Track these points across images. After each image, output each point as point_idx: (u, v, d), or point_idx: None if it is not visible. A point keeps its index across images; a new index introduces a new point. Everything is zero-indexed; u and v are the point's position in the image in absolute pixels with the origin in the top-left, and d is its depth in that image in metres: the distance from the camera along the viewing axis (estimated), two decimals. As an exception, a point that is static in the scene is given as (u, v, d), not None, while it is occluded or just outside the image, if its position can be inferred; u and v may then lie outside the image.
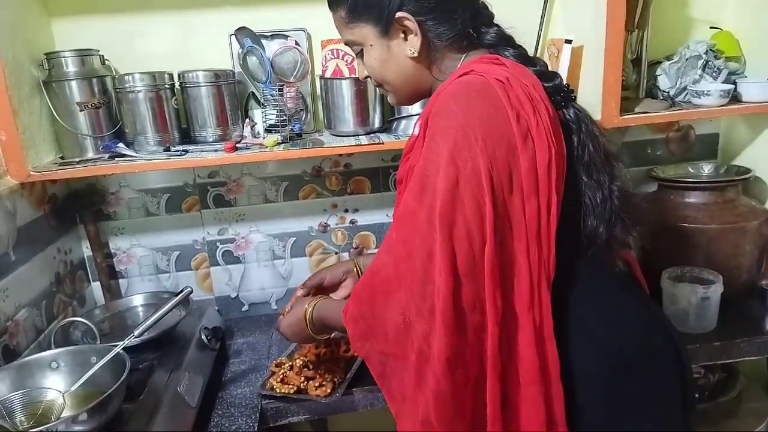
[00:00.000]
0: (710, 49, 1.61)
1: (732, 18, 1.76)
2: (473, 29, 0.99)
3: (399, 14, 0.96)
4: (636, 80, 1.64)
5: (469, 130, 0.83)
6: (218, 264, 1.79)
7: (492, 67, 0.92)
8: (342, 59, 1.57)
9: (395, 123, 1.60)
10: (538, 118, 0.85)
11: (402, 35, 0.98)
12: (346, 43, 1.06)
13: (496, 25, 1.01)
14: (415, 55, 0.98)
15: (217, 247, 1.78)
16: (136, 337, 1.16)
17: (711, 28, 1.74)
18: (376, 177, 1.79)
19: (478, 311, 0.82)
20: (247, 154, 1.45)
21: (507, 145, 0.83)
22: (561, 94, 0.95)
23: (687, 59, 1.60)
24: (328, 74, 1.58)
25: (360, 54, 1.04)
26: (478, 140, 0.82)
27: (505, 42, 1.01)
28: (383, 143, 1.50)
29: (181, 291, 1.25)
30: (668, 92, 1.63)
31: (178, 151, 1.47)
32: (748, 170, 1.62)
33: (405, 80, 1.03)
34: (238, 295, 1.82)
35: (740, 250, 1.55)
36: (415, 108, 1.56)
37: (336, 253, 1.83)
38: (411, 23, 0.96)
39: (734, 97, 1.62)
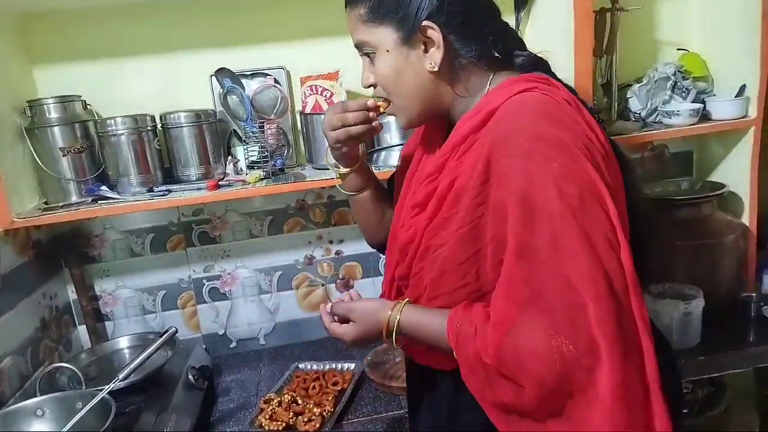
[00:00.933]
0: (678, 71, 1.66)
1: (698, 39, 1.82)
2: (502, 49, 0.95)
3: (425, 23, 0.90)
4: (607, 103, 1.69)
5: (568, 143, 0.80)
6: (205, 301, 1.79)
7: (548, 87, 0.89)
8: (321, 95, 1.60)
9: (376, 154, 1.62)
10: (603, 139, 0.87)
11: (423, 46, 0.92)
12: (357, 45, 0.98)
13: (528, 50, 0.99)
14: (435, 69, 0.92)
15: (204, 284, 1.78)
16: (120, 381, 1.16)
17: (678, 49, 1.80)
18: (360, 208, 1.81)
19: (635, 328, 0.75)
20: (230, 191, 1.47)
21: (598, 152, 0.83)
22: (596, 118, 0.92)
23: (656, 81, 1.65)
24: (308, 110, 1.61)
25: (370, 59, 0.97)
26: (581, 149, 0.80)
27: (540, 66, 0.97)
28: (364, 175, 1.51)
29: (166, 331, 1.25)
30: (639, 113, 1.67)
31: (161, 191, 1.49)
32: (722, 185, 1.66)
33: (419, 95, 0.95)
34: (225, 331, 1.82)
35: (719, 264, 1.58)
36: (395, 139, 1.60)
37: (322, 285, 1.84)
38: (436, 34, 0.91)
39: (704, 116, 1.66)
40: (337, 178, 1.17)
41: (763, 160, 1.67)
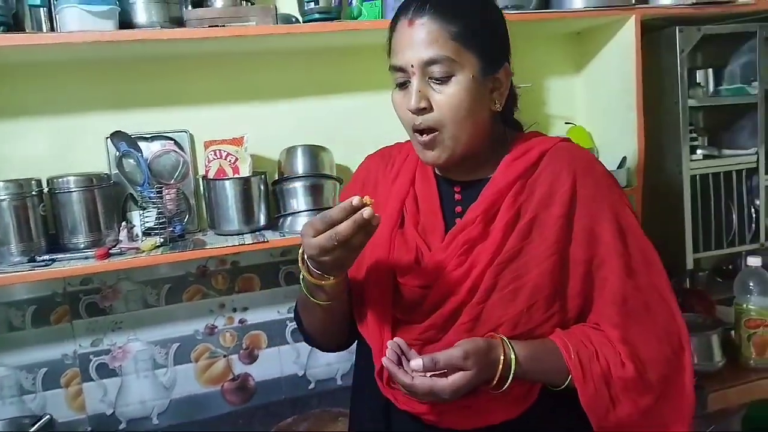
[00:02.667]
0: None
1: (583, 114, 1.97)
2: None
3: (506, 64, 0.94)
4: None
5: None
6: (92, 379, 1.64)
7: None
8: (225, 159, 1.57)
9: (282, 219, 1.60)
10: None
11: (491, 85, 0.93)
12: (429, 61, 0.89)
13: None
14: (499, 109, 0.95)
15: (91, 360, 1.64)
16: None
17: (566, 123, 1.93)
18: (266, 273, 1.76)
19: None
20: (122, 260, 1.39)
21: None
22: None
23: (547, 152, 1.75)
24: (211, 174, 1.57)
25: (437, 80, 0.90)
26: None
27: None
28: (268, 241, 1.48)
29: (39, 419, 1.13)
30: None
31: (44, 260, 1.38)
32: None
33: (475, 130, 0.93)
34: (114, 411, 1.67)
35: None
36: (301, 204, 1.58)
37: (225, 356, 1.75)
38: (507, 77, 0.95)
39: (592, 184, 1.78)
40: (312, 286, 0.93)
41: (646, 224, 1.79)
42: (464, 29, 0.89)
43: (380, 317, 0.97)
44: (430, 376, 0.84)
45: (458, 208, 1.01)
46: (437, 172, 1.04)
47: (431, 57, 0.88)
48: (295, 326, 1.71)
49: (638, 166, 1.73)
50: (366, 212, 0.81)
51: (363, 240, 0.84)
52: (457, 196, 1.02)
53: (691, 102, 1.76)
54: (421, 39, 0.89)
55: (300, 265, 0.92)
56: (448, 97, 0.90)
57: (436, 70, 0.89)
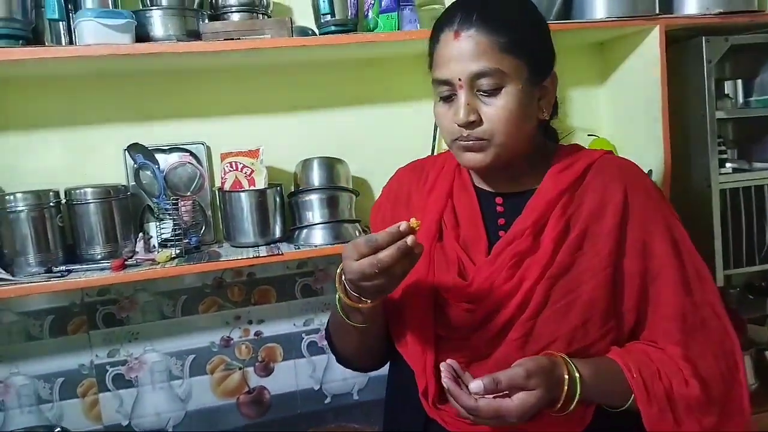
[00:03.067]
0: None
1: (607, 126, 1.93)
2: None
3: (553, 71, 0.93)
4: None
5: None
6: (108, 389, 1.65)
7: None
8: (241, 171, 1.57)
9: (297, 232, 1.59)
10: None
11: (539, 93, 0.92)
12: (479, 75, 0.86)
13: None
14: (547, 117, 0.95)
15: (107, 370, 1.65)
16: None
17: (588, 135, 1.89)
18: (282, 286, 1.75)
19: None
20: (137, 272, 1.39)
21: None
22: None
23: (569, 165, 1.71)
24: (227, 186, 1.57)
25: (485, 92, 0.88)
26: None
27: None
28: (282, 254, 1.47)
29: (51, 430, 1.13)
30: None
31: (60, 271, 1.39)
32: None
33: (523, 139, 0.92)
34: (130, 422, 1.67)
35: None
36: (317, 217, 1.57)
37: (240, 368, 1.74)
38: (554, 85, 0.94)
39: (615, 198, 1.73)
40: (348, 308, 0.91)
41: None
42: (512, 39, 0.87)
43: (422, 336, 0.94)
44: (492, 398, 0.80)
45: (501, 220, 0.98)
46: (476, 183, 1.02)
47: (480, 70, 0.86)
48: (311, 339, 1.75)
49: (664, 180, 1.67)
50: (410, 239, 0.78)
51: (406, 268, 0.81)
52: (499, 208, 0.99)
53: (719, 114, 1.70)
54: (468, 52, 0.87)
55: (337, 285, 0.89)
56: (498, 110, 0.88)
57: (485, 82, 0.87)
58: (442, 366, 0.84)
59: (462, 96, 0.88)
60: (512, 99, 0.88)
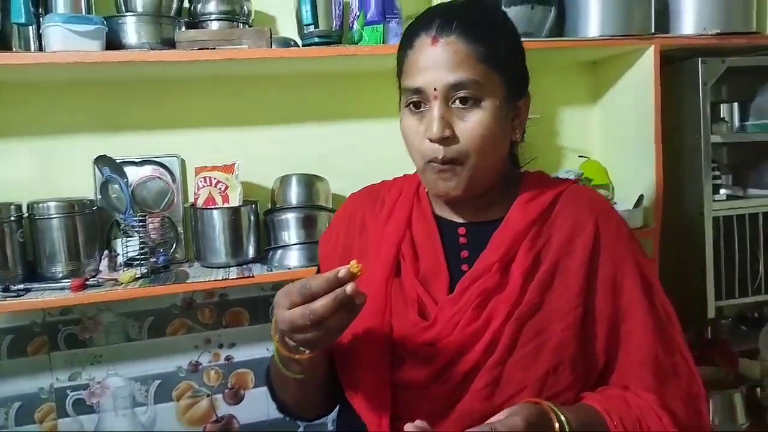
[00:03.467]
0: (578, 178, 1.67)
1: (599, 148, 1.87)
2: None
3: (527, 91, 0.89)
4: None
5: None
6: (67, 415, 1.55)
7: None
8: (215, 186, 1.49)
9: (272, 252, 1.51)
10: None
11: (512, 113, 0.87)
12: (456, 85, 0.80)
13: None
14: (519, 140, 0.90)
15: (67, 395, 1.55)
16: None
17: (579, 156, 1.83)
18: (255, 308, 1.67)
19: None
20: (97, 293, 1.31)
21: None
22: None
23: (558, 188, 1.65)
24: (200, 202, 1.49)
25: (461, 107, 0.81)
26: None
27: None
28: (253, 276, 1.40)
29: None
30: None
31: (17, 290, 1.30)
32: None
33: (497, 162, 0.86)
34: (90, 450, 1.58)
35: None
36: (293, 237, 1.50)
37: (208, 395, 1.64)
38: (528, 106, 0.90)
39: (606, 223, 1.66)
40: (285, 359, 0.81)
41: (664, 267, 1.67)
42: (492, 51, 0.81)
43: (376, 386, 0.84)
44: None
45: (464, 253, 0.90)
46: (437, 212, 0.94)
47: (459, 80, 0.80)
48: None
49: (656, 205, 1.61)
50: (349, 288, 0.69)
51: (345, 321, 0.72)
52: (462, 239, 0.91)
53: (715, 138, 1.65)
54: (446, 59, 0.80)
55: (272, 333, 0.80)
56: (474, 125, 0.81)
57: (463, 94, 0.80)
58: (407, 428, 0.73)
59: (436, 108, 0.81)
60: (489, 115, 0.81)
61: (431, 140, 0.81)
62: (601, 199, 0.95)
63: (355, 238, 0.96)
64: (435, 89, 0.80)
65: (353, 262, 0.71)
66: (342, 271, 0.70)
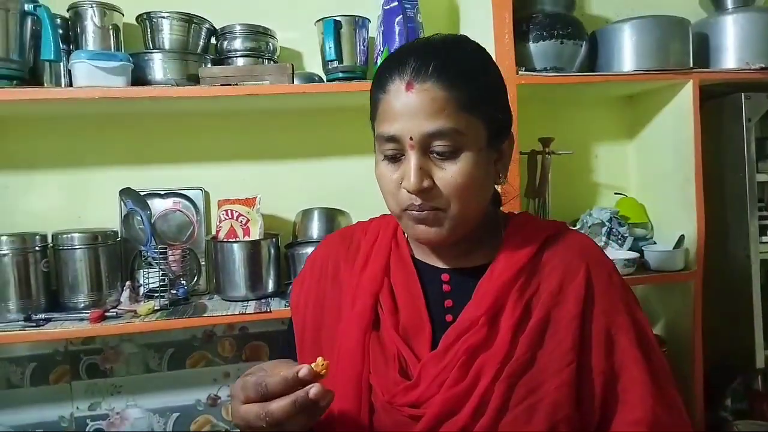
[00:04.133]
0: (614, 216, 1.60)
1: (636, 184, 1.79)
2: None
3: (510, 132, 0.83)
4: (542, 246, 1.60)
5: None
6: (87, 445, 1.56)
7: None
8: (236, 220, 1.49)
9: (291, 287, 1.49)
10: None
11: (495, 156, 0.81)
12: (435, 134, 0.74)
13: None
14: (503, 183, 0.84)
15: (87, 424, 1.56)
16: None
17: (615, 194, 1.75)
18: (275, 342, 1.64)
19: None
20: (115, 325, 1.31)
21: None
22: None
23: (590, 226, 1.58)
24: (222, 234, 1.49)
25: (446, 155, 0.75)
26: None
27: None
28: (271, 311, 1.37)
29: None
30: (575, 259, 1.58)
31: (38, 320, 1.32)
32: (662, 342, 1.54)
33: (480, 208, 0.80)
34: (107, 482, 1.57)
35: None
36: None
37: (227, 431, 1.62)
38: (512, 147, 0.84)
39: (642, 264, 1.58)
40: None
41: (707, 312, 1.56)
42: (472, 97, 0.75)
43: None
44: None
45: (448, 302, 0.83)
46: (417, 256, 0.88)
47: (437, 129, 0.73)
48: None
49: (698, 247, 1.52)
50: (313, 392, 0.63)
51: (304, 423, 0.66)
52: (445, 287, 0.84)
53: (761, 177, 1.55)
54: (423, 107, 0.73)
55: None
56: (455, 176, 0.75)
57: (441, 144, 0.74)
58: None
59: (413, 158, 0.74)
60: (471, 164, 0.75)
61: (409, 192, 0.75)
62: (592, 245, 0.88)
63: (327, 288, 0.89)
64: (411, 138, 0.74)
65: (319, 360, 0.65)
66: (303, 370, 0.64)
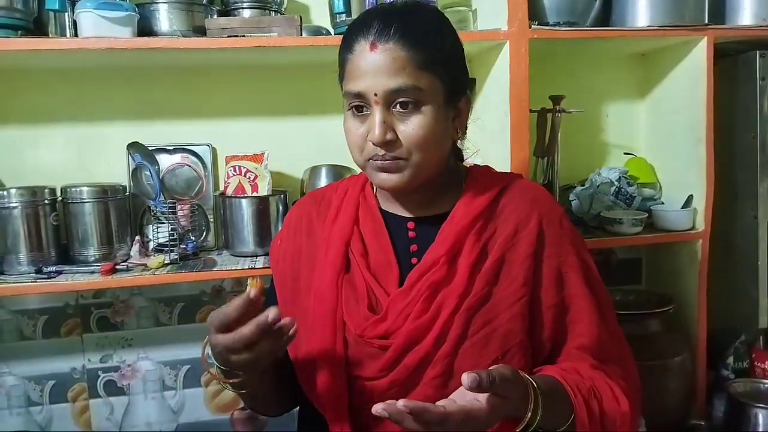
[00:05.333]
0: (622, 176, 1.59)
1: (645, 144, 1.78)
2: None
3: (467, 91, 0.91)
4: (550, 205, 1.60)
5: None
6: (99, 395, 1.59)
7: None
8: (244, 176, 1.49)
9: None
10: None
11: (453, 114, 0.88)
12: (396, 91, 0.81)
13: None
14: (460, 138, 0.93)
15: (99, 376, 1.59)
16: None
17: (625, 153, 1.74)
18: (283, 298, 1.66)
19: None
20: (126, 277, 1.32)
21: None
22: None
23: (598, 186, 1.57)
24: (230, 191, 1.49)
25: (407, 110, 0.82)
26: None
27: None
28: (279, 267, 1.38)
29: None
30: (582, 218, 1.58)
31: (49, 272, 1.33)
32: (670, 300, 1.55)
33: (439, 160, 0.88)
34: (120, 431, 1.61)
35: (663, 388, 1.44)
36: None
37: (235, 383, 1.65)
38: (469, 105, 0.92)
39: (650, 224, 1.58)
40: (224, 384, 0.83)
41: (713, 272, 1.57)
42: (431, 56, 0.82)
43: (332, 378, 0.86)
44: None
45: (414, 246, 0.91)
46: (384, 207, 0.95)
47: (398, 86, 0.81)
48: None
49: (706, 208, 1.52)
50: (271, 314, 0.71)
51: (275, 346, 0.74)
52: (411, 233, 0.92)
53: (773, 137, 1.54)
54: (386, 66, 0.80)
55: (203, 354, 0.83)
56: (416, 128, 0.82)
57: (403, 100, 0.82)
58: (378, 409, 0.69)
59: (377, 113, 0.82)
60: (430, 118, 0.83)
61: (374, 144, 0.82)
62: (544, 193, 0.97)
63: (303, 242, 0.96)
64: (375, 94, 0.81)
65: (249, 280, 0.75)
66: (252, 292, 0.73)
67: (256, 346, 0.73)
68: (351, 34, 0.84)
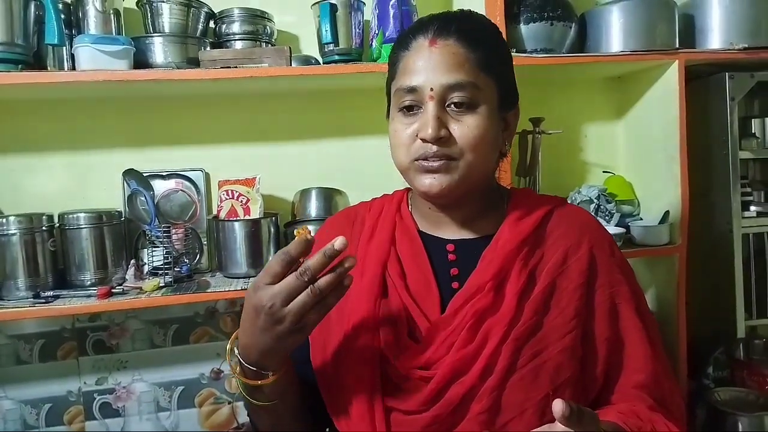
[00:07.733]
0: (602, 194, 1.65)
1: (624, 163, 1.84)
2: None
3: (517, 104, 0.88)
4: (533, 222, 1.65)
5: None
6: (94, 418, 1.61)
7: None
8: (237, 200, 1.54)
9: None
10: None
11: (503, 124, 0.86)
12: (454, 86, 0.78)
13: None
14: (508, 151, 0.89)
15: (95, 398, 1.61)
16: None
17: (604, 172, 1.80)
18: (276, 318, 1.70)
19: None
20: (121, 301, 1.36)
21: None
22: None
23: (579, 203, 1.63)
24: (222, 214, 1.54)
25: (462, 109, 0.79)
26: None
27: None
28: (272, 288, 1.42)
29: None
30: (564, 235, 1.64)
31: (47, 297, 1.37)
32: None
33: (485, 171, 0.84)
34: (115, 453, 1.63)
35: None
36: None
37: (229, 403, 1.68)
38: (517, 120, 0.89)
39: (629, 240, 1.64)
40: (251, 388, 0.77)
41: (692, 284, 1.63)
42: (489, 58, 0.81)
43: (367, 410, 0.80)
44: None
45: (454, 270, 0.86)
46: (422, 229, 0.91)
47: (456, 81, 0.78)
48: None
49: (683, 222, 1.58)
50: (338, 242, 0.68)
51: (318, 318, 0.72)
52: (450, 256, 0.87)
53: (744, 154, 1.61)
54: (445, 61, 0.79)
55: (228, 361, 0.78)
56: (470, 128, 0.79)
57: (460, 96, 0.79)
58: None
59: (431, 108, 0.78)
60: (485, 119, 0.80)
61: (424, 140, 0.78)
62: (594, 220, 0.93)
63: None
64: (431, 89, 0.78)
65: (296, 230, 0.73)
66: (338, 242, 0.69)
67: (326, 300, 0.70)
68: (408, 34, 0.84)
